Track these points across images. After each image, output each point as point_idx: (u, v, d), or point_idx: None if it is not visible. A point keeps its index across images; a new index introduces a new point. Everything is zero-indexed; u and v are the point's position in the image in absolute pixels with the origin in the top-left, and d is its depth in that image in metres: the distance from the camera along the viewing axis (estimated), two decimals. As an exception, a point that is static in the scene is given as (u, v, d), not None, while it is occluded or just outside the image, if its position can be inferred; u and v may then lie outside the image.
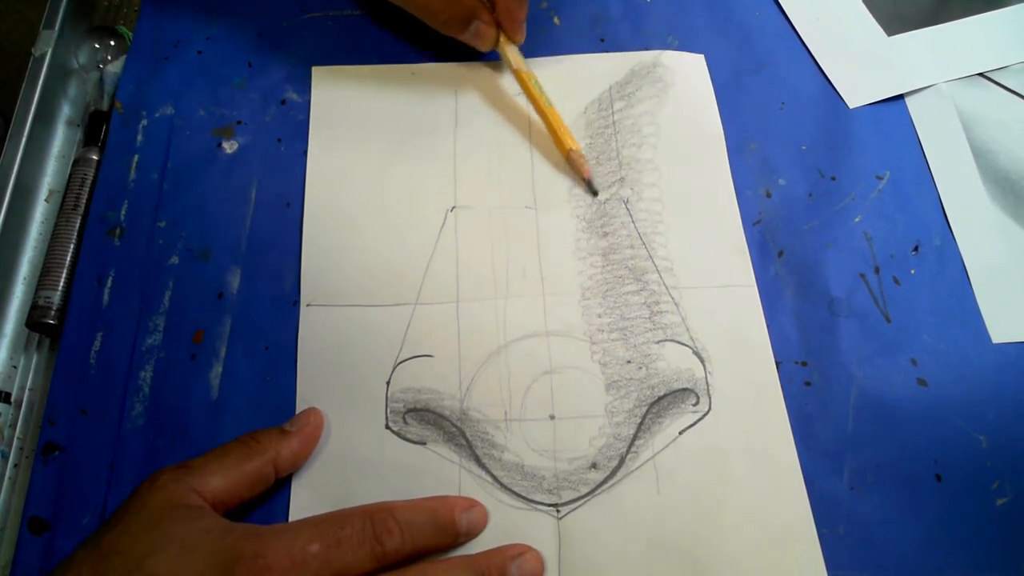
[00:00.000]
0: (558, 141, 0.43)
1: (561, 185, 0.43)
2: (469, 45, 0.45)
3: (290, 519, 0.35)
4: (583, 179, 0.43)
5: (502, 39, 0.44)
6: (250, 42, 0.47)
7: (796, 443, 0.37)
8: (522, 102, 0.45)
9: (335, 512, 0.33)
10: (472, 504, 0.35)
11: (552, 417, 0.37)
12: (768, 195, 0.44)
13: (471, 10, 0.43)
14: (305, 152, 0.44)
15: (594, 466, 0.36)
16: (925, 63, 0.48)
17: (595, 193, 0.42)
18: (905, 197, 0.44)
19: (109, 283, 0.40)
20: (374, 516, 0.32)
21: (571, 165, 0.43)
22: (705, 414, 0.38)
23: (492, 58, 0.47)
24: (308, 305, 0.39)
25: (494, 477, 0.36)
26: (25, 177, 0.43)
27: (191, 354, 0.38)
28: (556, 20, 0.49)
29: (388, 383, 0.38)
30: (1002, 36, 0.50)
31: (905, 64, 0.48)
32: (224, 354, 0.38)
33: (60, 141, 0.46)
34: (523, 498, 0.36)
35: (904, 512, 0.36)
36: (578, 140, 0.44)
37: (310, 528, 0.31)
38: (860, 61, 0.48)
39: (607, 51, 0.48)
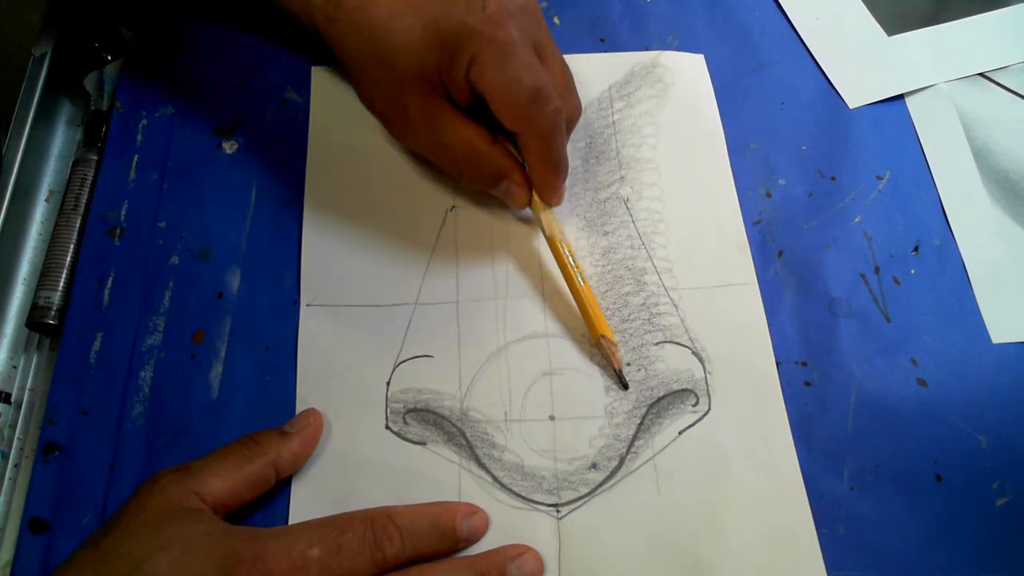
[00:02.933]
0: (590, 325, 0.38)
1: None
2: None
3: (290, 520, 0.35)
4: (613, 370, 0.38)
5: (536, 200, 0.39)
6: (250, 42, 0.47)
7: (796, 443, 0.37)
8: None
9: (336, 516, 0.33)
10: (474, 510, 0.35)
11: (552, 418, 0.37)
12: (768, 195, 0.44)
13: (501, 170, 0.39)
14: (305, 152, 0.43)
15: (594, 466, 0.36)
16: (925, 63, 0.48)
17: (625, 387, 0.38)
18: (905, 197, 0.44)
19: (109, 283, 0.40)
20: (375, 521, 0.32)
21: (601, 352, 0.38)
22: (705, 414, 0.38)
23: (526, 215, 0.42)
24: (308, 305, 0.39)
25: (494, 477, 0.36)
26: (25, 177, 0.43)
27: (191, 354, 0.38)
28: (556, 20, 0.49)
29: (388, 383, 0.38)
30: (1002, 36, 0.50)
31: (905, 64, 0.48)
32: (224, 354, 0.38)
33: (60, 141, 0.46)
34: (523, 498, 0.36)
35: (904, 512, 0.36)
36: (578, 140, 0.44)
37: (311, 532, 0.31)
38: (860, 61, 0.48)
39: (607, 51, 0.48)
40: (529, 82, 0.36)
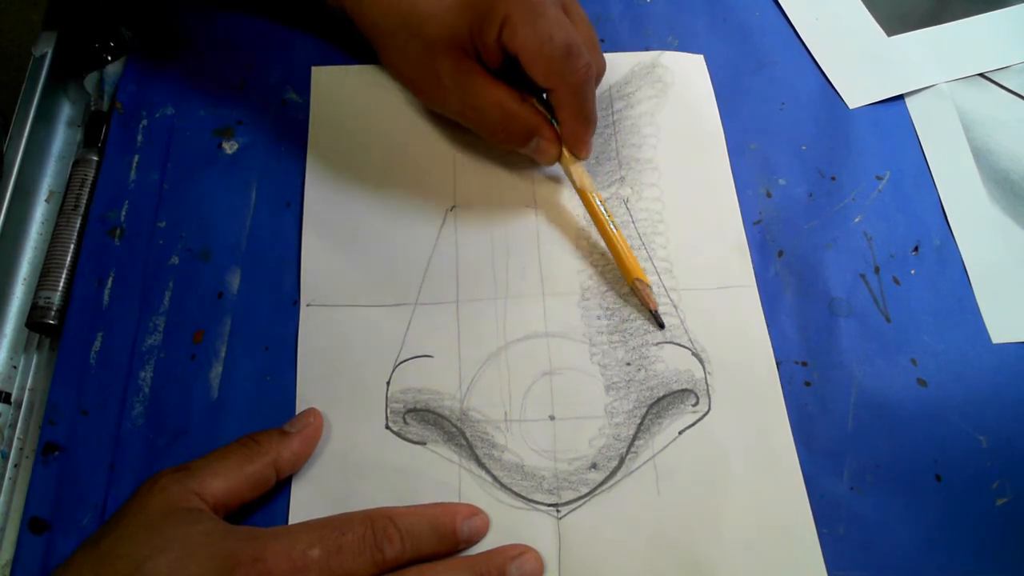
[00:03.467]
0: (623, 269, 0.40)
1: (562, 184, 0.43)
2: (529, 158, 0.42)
3: (290, 520, 0.35)
4: (649, 311, 0.39)
5: (566, 155, 0.41)
6: (250, 42, 0.47)
7: (796, 443, 0.37)
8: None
9: (336, 517, 0.33)
10: (474, 512, 0.35)
11: (552, 418, 0.37)
12: (768, 195, 0.44)
13: (531, 127, 0.40)
14: (305, 152, 0.44)
15: (594, 466, 0.36)
16: (925, 63, 0.48)
17: (661, 326, 0.39)
18: (905, 197, 0.44)
19: (109, 283, 0.40)
20: (375, 522, 0.32)
21: (636, 295, 0.40)
22: (704, 414, 0.38)
23: (555, 172, 0.43)
24: (308, 305, 0.39)
25: (494, 477, 0.36)
26: (25, 177, 0.43)
27: (191, 354, 0.38)
28: (556, 20, 0.49)
29: (388, 383, 0.38)
30: (1002, 36, 0.50)
31: (905, 64, 0.48)
32: (224, 354, 0.38)
33: (60, 141, 0.46)
34: (523, 498, 0.36)
35: (904, 512, 0.36)
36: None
37: (311, 533, 0.31)
38: (860, 61, 0.48)
39: (607, 51, 0.48)
40: (561, 39, 0.37)
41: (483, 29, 0.37)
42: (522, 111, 0.40)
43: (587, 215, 0.42)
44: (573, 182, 0.41)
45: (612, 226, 0.40)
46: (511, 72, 0.39)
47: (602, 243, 0.42)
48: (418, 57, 0.39)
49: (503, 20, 0.37)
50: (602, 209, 0.40)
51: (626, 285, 0.40)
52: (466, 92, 0.39)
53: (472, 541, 0.34)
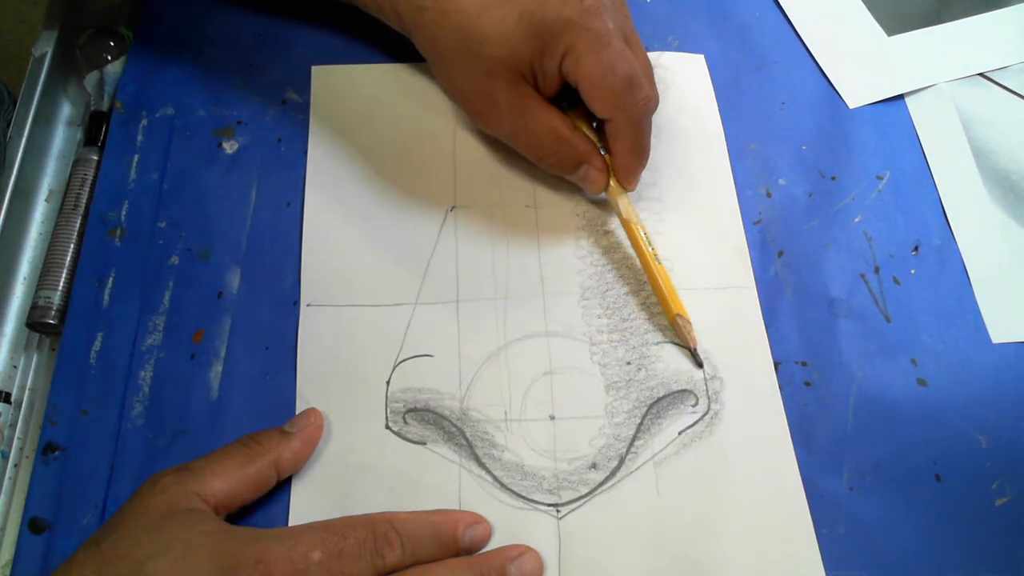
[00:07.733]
0: (664, 304, 0.39)
1: (561, 183, 0.43)
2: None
3: (290, 519, 0.35)
4: (688, 348, 0.39)
5: (613, 185, 0.40)
6: (250, 42, 0.47)
7: (796, 443, 0.37)
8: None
9: (338, 520, 0.33)
10: (477, 520, 0.34)
11: (552, 417, 0.37)
12: (768, 195, 0.44)
13: (582, 155, 0.40)
14: (305, 152, 0.44)
15: (594, 466, 0.36)
16: (925, 63, 0.48)
17: (700, 365, 0.39)
18: (905, 197, 0.44)
19: (109, 283, 0.40)
20: (377, 527, 0.32)
21: (675, 331, 0.39)
22: (704, 415, 0.38)
23: (600, 198, 0.43)
24: (308, 305, 0.39)
25: (494, 477, 0.36)
26: (25, 177, 0.43)
27: (191, 354, 0.38)
28: (556, 20, 0.49)
29: (388, 383, 0.38)
30: (1002, 36, 0.50)
31: (905, 64, 0.48)
32: (224, 354, 0.38)
33: (60, 141, 0.46)
34: (523, 498, 0.36)
35: (904, 512, 0.36)
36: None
37: (312, 535, 0.31)
38: (860, 61, 0.48)
39: (607, 51, 0.48)
40: (624, 71, 0.37)
41: (545, 55, 0.38)
42: (574, 138, 0.40)
43: (587, 214, 0.42)
44: (619, 213, 0.40)
45: (655, 260, 0.39)
46: (563, 100, 0.40)
47: (602, 244, 0.42)
48: (475, 78, 0.39)
49: (567, 48, 0.37)
50: (646, 242, 0.39)
51: (627, 284, 0.41)
52: (521, 116, 0.39)
53: (473, 549, 0.34)
